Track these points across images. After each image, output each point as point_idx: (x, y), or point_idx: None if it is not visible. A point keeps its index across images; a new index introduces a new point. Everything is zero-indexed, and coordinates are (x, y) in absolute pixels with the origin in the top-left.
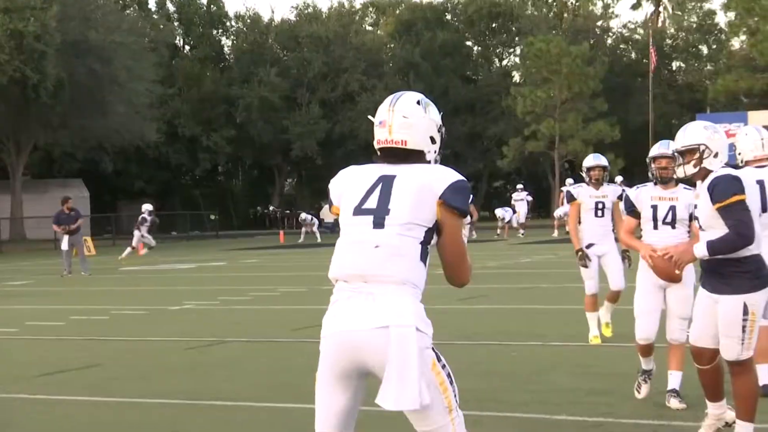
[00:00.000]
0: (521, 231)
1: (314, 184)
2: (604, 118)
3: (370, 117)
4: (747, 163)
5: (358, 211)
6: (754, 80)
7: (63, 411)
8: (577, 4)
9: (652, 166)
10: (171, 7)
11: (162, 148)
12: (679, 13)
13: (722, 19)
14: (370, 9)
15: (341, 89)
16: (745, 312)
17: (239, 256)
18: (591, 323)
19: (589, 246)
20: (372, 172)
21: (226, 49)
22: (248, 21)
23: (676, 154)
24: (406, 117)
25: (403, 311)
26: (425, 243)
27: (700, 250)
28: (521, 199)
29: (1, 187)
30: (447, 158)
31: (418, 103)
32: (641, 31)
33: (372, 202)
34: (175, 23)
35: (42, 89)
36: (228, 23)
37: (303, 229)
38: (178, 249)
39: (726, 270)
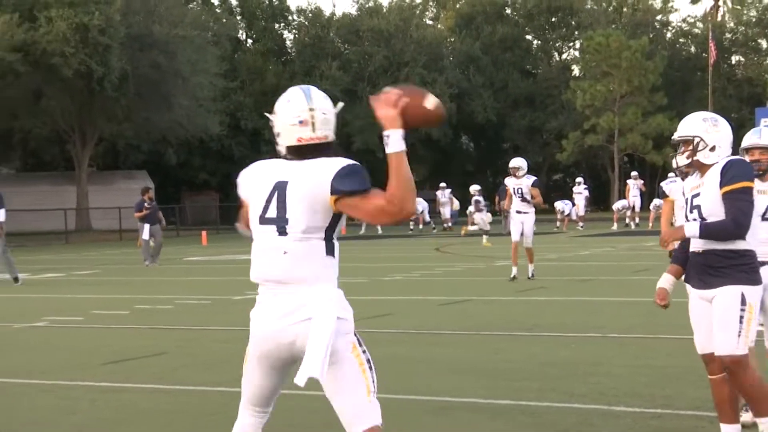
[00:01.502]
0: (580, 224)
1: (375, 177)
2: (663, 112)
3: (267, 114)
4: None
5: (263, 220)
6: None
7: (127, 398)
8: None
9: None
10: (233, 1)
11: (225, 141)
12: (739, 7)
13: None
14: (431, 3)
15: (402, 83)
16: (743, 302)
17: None
18: None
19: None
20: (268, 176)
21: (288, 42)
22: (310, 15)
23: (674, 143)
24: (325, 114)
25: (324, 304)
26: (329, 238)
27: (692, 229)
28: (580, 192)
29: (67, 178)
30: (506, 151)
31: (326, 97)
32: (700, 25)
33: (272, 211)
34: (238, 17)
35: (107, 82)
36: (290, 17)
37: (363, 222)
38: (240, 240)
39: (723, 263)
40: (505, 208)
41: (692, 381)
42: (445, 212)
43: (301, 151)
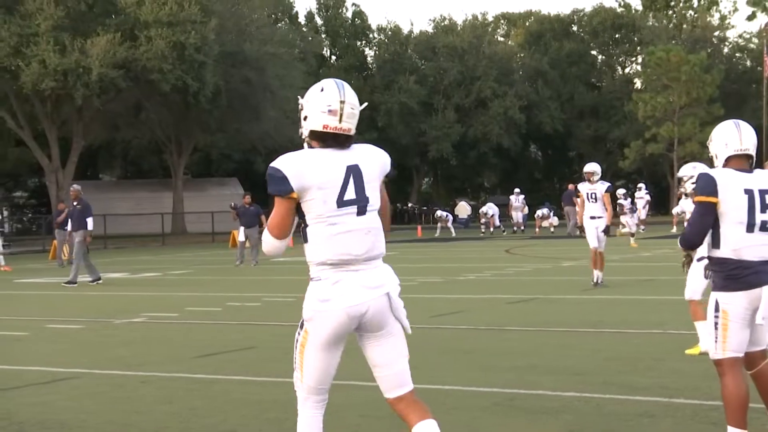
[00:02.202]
0: (641, 227)
1: (449, 183)
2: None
3: (299, 98)
4: None
5: (342, 203)
6: None
7: (219, 389)
8: (695, 15)
9: None
10: (319, 21)
11: None
12: None
13: None
14: (502, 21)
15: (474, 95)
16: (716, 309)
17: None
18: None
19: None
20: (335, 162)
21: (369, 58)
22: (389, 33)
23: None
24: (353, 108)
25: (392, 275)
26: None
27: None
28: (642, 197)
29: (164, 185)
30: (572, 159)
31: (355, 95)
32: (756, 40)
33: (351, 193)
34: (323, 35)
35: (201, 96)
36: (371, 35)
37: (439, 225)
38: None
39: (711, 270)
40: (579, 215)
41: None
42: (518, 216)
43: (323, 138)
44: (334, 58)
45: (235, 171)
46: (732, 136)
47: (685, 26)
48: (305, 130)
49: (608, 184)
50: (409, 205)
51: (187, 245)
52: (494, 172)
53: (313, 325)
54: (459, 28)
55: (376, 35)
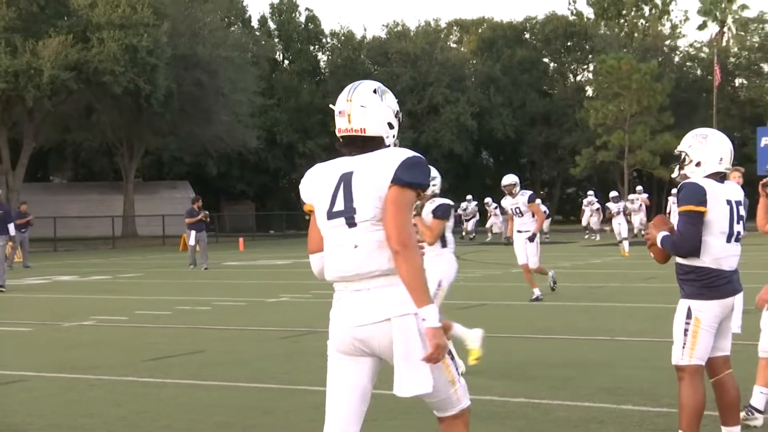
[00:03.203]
0: (595, 236)
1: None
2: (670, 131)
3: (331, 105)
4: None
5: (331, 214)
6: None
7: (167, 393)
8: (646, 24)
9: None
10: (272, 25)
11: (262, 154)
12: (743, 33)
13: None
14: (455, 28)
15: (427, 101)
16: (689, 316)
17: None
18: None
19: None
20: (333, 171)
21: (321, 63)
22: (342, 38)
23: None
24: (364, 106)
25: (398, 301)
26: None
27: (659, 237)
28: (590, 203)
29: (115, 188)
30: (524, 166)
31: (375, 91)
32: (706, 49)
33: (339, 204)
34: (276, 39)
35: (153, 99)
36: (324, 40)
37: None
38: (275, 246)
39: (682, 276)
40: (508, 233)
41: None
42: (469, 223)
43: (348, 145)
44: (286, 62)
45: (187, 174)
46: (728, 153)
47: (636, 35)
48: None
49: (530, 192)
50: None
51: (138, 248)
52: (446, 178)
53: (329, 347)
54: (412, 34)
55: (329, 40)
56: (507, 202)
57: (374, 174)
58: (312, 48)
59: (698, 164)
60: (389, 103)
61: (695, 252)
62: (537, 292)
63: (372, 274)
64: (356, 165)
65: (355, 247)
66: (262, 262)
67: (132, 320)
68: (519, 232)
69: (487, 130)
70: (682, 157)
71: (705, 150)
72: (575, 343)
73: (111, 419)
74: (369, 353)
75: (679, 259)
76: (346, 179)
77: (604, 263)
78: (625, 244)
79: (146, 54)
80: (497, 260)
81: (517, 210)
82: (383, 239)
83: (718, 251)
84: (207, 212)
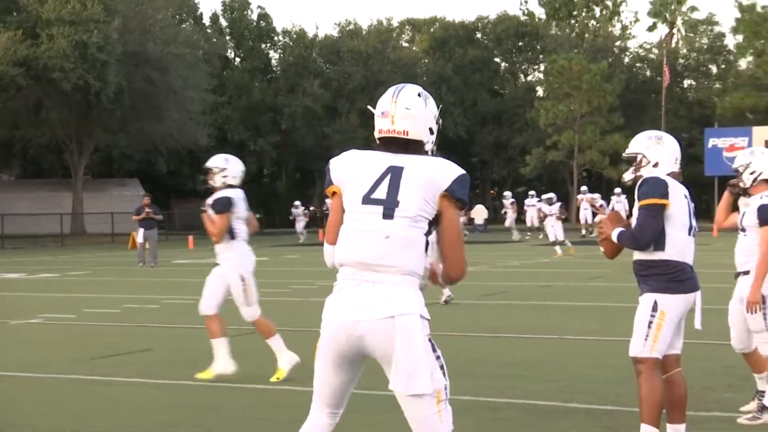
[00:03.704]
0: (539, 234)
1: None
2: (619, 131)
3: (369, 108)
4: (760, 183)
5: (368, 200)
6: (759, 98)
7: (116, 391)
8: (597, 25)
9: None
10: (224, 22)
11: (212, 152)
12: (692, 35)
13: (731, 41)
14: (407, 27)
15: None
16: (654, 309)
17: (281, 252)
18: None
19: None
20: (379, 160)
21: (273, 61)
22: (294, 36)
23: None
24: (408, 108)
25: (407, 300)
26: (428, 234)
27: (614, 234)
28: (533, 204)
29: (64, 185)
30: (474, 165)
31: (419, 95)
32: (656, 51)
33: (381, 193)
34: (227, 37)
35: (103, 96)
36: (276, 38)
37: None
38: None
39: (644, 272)
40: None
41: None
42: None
43: (387, 145)
44: (238, 60)
45: (137, 171)
46: (679, 154)
47: (587, 36)
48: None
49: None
50: (311, 208)
51: (87, 246)
52: None
53: (321, 333)
54: (364, 33)
55: (281, 38)
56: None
57: (429, 178)
58: (264, 46)
59: (656, 165)
60: (432, 108)
61: (654, 245)
62: (445, 292)
63: (393, 268)
64: (407, 162)
65: (387, 237)
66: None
67: (80, 318)
68: None
69: (438, 129)
70: (639, 158)
71: (662, 151)
72: (523, 342)
73: (58, 418)
74: (358, 354)
75: (639, 255)
76: (395, 171)
77: (553, 262)
78: (568, 243)
79: (96, 50)
80: None
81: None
82: (414, 239)
83: (683, 244)
84: (150, 210)
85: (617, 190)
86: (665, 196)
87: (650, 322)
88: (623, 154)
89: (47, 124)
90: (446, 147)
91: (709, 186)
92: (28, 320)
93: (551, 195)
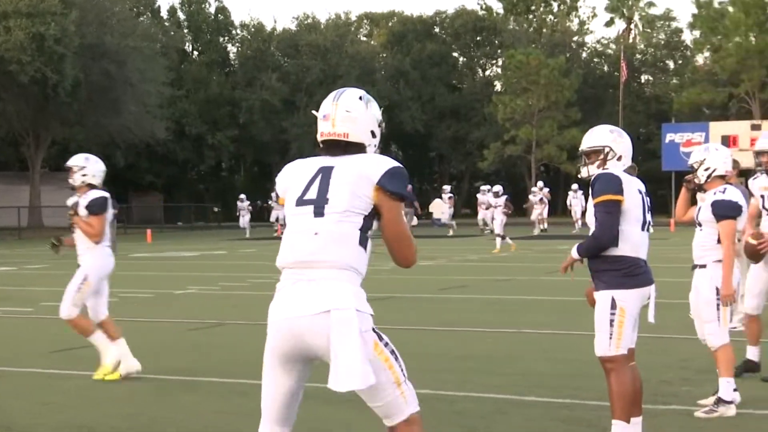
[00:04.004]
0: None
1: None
2: (577, 126)
3: (313, 111)
4: (714, 179)
5: (300, 202)
6: (716, 93)
7: (73, 385)
8: (555, 20)
9: (760, 159)
10: (181, 15)
11: (170, 145)
12: (649, 30)
13: (688, 36)
14: (365, 21)
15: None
16: (613, 306)
17: (239, 246)
18: None
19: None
20: (313, 164)
21: (231, 55)
22: (252, 29)
23: (581, 155)
24: (349, 111)
25: (342, 295)
26: (364, 229)
27: (573, 251)
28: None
29: (21, 178)
30: (432, 159)
31: (360, 98)
32: (613, 46)
33: (312, 193)
34: (185, 30)
35: (60, 89)
36: (233, 31)
37: None
38: (183, 238)
39: (599, 268)
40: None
41: (599, 374)
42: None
43: (328, 148)
44: (196, 53)
45: None
46: (631, 149)
47: (545, 30)
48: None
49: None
50: (269, 202)
51: (44, 239)
52: None
53: (267, 337)
54: (322, 27)
55: (239, 31)
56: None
57: (358, 173)
58: (221, 39)
59: (620, 158)
60: (374, 111)
61: (615, 241)
62: None
63: (326, 264)
64: (338, 161)
65: (316, 234)
66: (170, 254)
67: (38, 312)
68: None
69: (397, 123)
70: (606, 151)
71: (624, 144)
72: (481, 336)
73: (15, 411)
74: (301, 355)
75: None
76: (325, 171)
77: (511, 257)
78: (508, 240)
79: (53, 43)
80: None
81: None
82: (345, 234)
83: (636, 239)
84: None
85: (574, 186)
86: (620, 192)
87: (611, 320)
88: (585, 147)
89: (4, 117)
90: (404, 141)
91: (666, 181)
92: None
93: (498, 188)
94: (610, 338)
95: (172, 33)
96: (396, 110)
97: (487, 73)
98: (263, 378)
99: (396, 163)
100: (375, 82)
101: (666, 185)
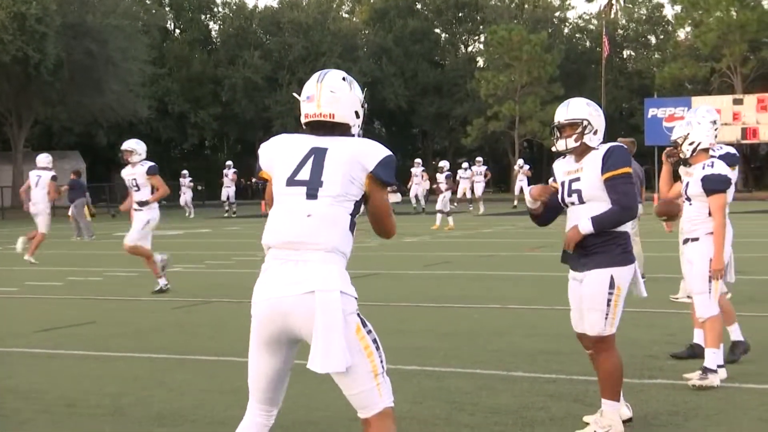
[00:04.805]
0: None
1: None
2: (559, 101)
3: (295, 94)
4: (699, 153)
5: (291, 182)
6: (698, 68)
7: (59, 364)
8: None
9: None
10: None
11: (153, 124)
12: (630, 5)
13: (669, 11)
14: None
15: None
16: (611, 285)
17: (223, 224)
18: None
19: None
20: (304, 142)
21: (213, 33)
22: (234, 7)
23: (556, 128)
24: (333, 92)
25: (328, 276)
26: (353, 214)
27: (585, 227)
28: (466, 177)
29: (3, 158)
30: (416, 136)
31: (344, 79)
32: (595, 21)
33: (305, 174)
34: (167, 8)
35: (42, 68)
36: (215, 9)
37: None
38: (166, 217)
39: (596, 245)
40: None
41: (583, 349)
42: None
43: (313, 128)
44: (178, 31)
45: (77, 144)
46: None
47: (527, 6)
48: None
49: (151, 164)
50: (253, 180)
51: (28, 219)
52: None
53: (252, 317)
54: (304, 4)
55: (220, 9)
56: (126, 172)
57: (353, 158)
58: (203, 17)
59: (596, 132)
60: (357, 92)
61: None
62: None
63: (316, 246)
64: (331, 144)
65: (308, 216)
66: (154, 233)
67: (22, 291)
68: (137, 210)
69: (379, 100)
70: (585, 125)
71: (600, 119)
72: (467, 312)
73: (1, 391)
74: (286, 336)
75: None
76: (318, 153)
77: (495, 232)
78: (449, 221)
79: (35, 22)
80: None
81: (134, 182)
82: (337, 217)
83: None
84: (65, 186)
85: (519, 161)
86: (630, 164)
87: (609, 300)
88: (563, 120)
89: None
90: (387, 118)
91: (649, 156)
92: None
93: (443, 163)
94: (606, 318)
95: (154, 11)
96: (379, 87)
97: (470, 49)
98: (249, 359)
99: (388, 152)
100: (357, 59)
101: (649, 160)
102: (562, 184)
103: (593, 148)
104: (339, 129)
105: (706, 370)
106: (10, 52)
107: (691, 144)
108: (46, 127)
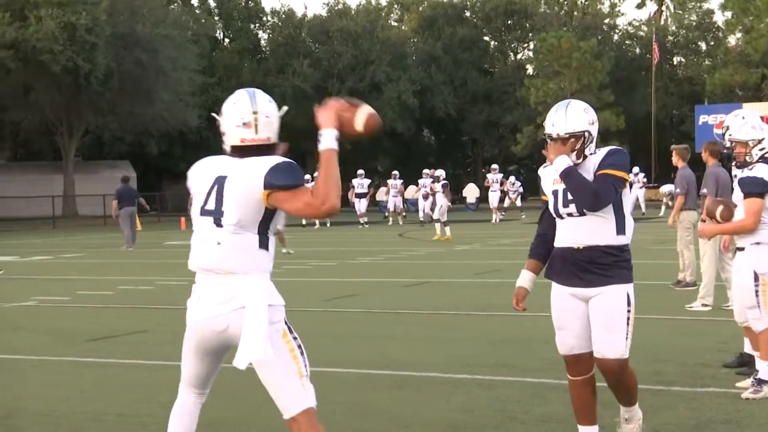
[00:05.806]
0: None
1: (343, 167)
2: (610, 109)
3: (214, 115)
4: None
5: (203, 211)
6: (749, 74)
7: (109, 372)
8: (586, 3)
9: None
10: (212, 3)
11: (203, 133)
12: (680, 12)
13: (720, 17)
14: (395, 6)
15: (368, 80)
16: (629, 303)
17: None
18: None
19: None
20: (212, 171)
21: (262, 42)
22: (283, 16)
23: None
24: (268, 117)
25: (254, 292)
26: (262, 232)
27: (562, 163)
28: (496, 181)
29: (55, 167)
30: (465, 144)
31: (270, 102)
32: (645, 28)
33: (211, 204)
34: (216, 18)
35: (93, 78)
36: (264, 18)
37: None
38: None
39: (607, 261)
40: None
41: (639, 357)
42: (399, 202)
43: (243, 151)
44: (227, 40)
45: (127, 153)
46: None
47: (576, 13)
48: (227, 146)
49: None
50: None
51: (79, 228)
52: (387, 156)
53: (186, 330)
54: (353, 12)
55: (269, 18)
56: None
57: (244, 182)
58: (252, 26)
59: (593, 140)
60: (279, 112)
61: (617, 228)
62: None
63: (231, 271)
64: (231, 170)
65: (218, 244)
66: None
67: (74, 300)
68: None
69: (429, 108)
70: (586, 137)
71: (597, 124)
72: (517, 320)
73: (52, 400)
74: (219, 347)
75: (599, 240)
76: (219, 182)
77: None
78: (447, 231)
79: (85, 32)
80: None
81: None
82: (243, 243)
83: (631, 227)
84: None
85: (495, 165)
86: (629, 173)
87: (628, 319)
88: (563, 132)
89: (37, 107)
90: (437, 126)
91: (700, 163)
92: (21, 303)
93: (440, 172)
94: (627, 339)
95: (203, 20)
96: (428, 95)
97: (519, 56)
98: (183, 356)
99: (279, 159)
100: (407, 67)
101: (700, 168)
102: (554, 193)
103: (589, 155)
104: (267, 149)
105: (760, 382)
106: (61, 63)
107: (762, 150)
108: (97, 136)
